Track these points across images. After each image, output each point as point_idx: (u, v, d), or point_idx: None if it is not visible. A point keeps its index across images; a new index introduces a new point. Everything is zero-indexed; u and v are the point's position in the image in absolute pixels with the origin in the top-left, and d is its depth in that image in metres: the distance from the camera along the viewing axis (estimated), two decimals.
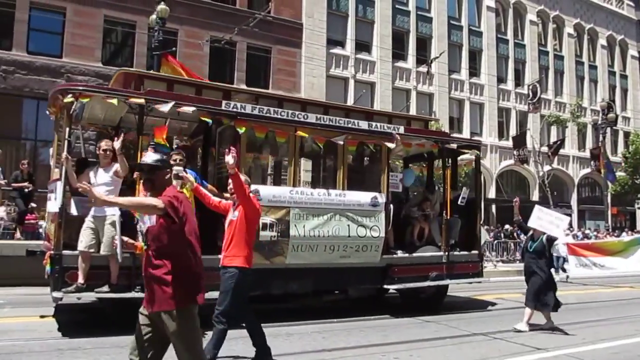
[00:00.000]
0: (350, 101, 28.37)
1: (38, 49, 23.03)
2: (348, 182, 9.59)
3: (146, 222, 4.42)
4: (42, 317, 8.63)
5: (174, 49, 23.12)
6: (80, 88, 7.76)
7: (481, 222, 11.75)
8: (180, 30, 25.52)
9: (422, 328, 9.20)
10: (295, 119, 9.05)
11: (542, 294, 9.06)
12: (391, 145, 9.67)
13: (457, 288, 12.01)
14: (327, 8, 30.10)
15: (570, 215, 38.79)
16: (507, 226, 31.39)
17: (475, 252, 11.02)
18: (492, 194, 35.01)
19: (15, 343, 7.05)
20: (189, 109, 8.00)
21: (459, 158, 11.78)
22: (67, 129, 7.49)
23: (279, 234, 8.71)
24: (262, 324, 6.60)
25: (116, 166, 7.53)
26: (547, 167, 35.35)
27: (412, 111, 31.16)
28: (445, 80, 33.87)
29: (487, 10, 36.67)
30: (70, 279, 7.43)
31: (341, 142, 9.28)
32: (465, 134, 34.48)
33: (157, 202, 4.16)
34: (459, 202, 10.68)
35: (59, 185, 7.47)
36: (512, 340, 8.24)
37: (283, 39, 28.23)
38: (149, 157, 4.57)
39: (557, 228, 9.21)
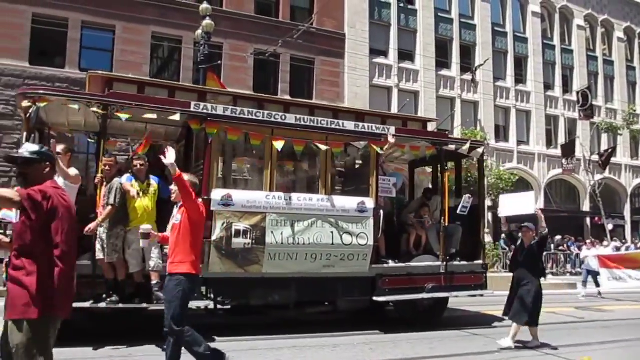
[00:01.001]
0: (394, 110, 27.37)
1: (89, 65, 23.17)
2: (338, 187, 8.76)
3: (12, 217, 3.85)
4: None
5: (219, 62, 22.97)
6: (41, 92, 7.34)
7: (485, 229, 10.53)
8: (225, 44, 25.33)
9: (470, 341, 8.57)
10: (272, 119, 8.31)
11: (532, 308, 8.01)
12: (379, 146, 8.75)
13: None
14: (369, 18, 29.25)
15: (623, 226, 36.17)
16: (557, 237, 29.52)
17: (478, 262, 9.87)
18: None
19: None
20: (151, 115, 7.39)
21: None
22: (25, 134, 7.04)
23: (253, 241, 8.01)
24: (304, 334, 6.75)
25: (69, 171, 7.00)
26: (598, 177, 32.95)
27: (457, 120, 29.87)
28: (490, 87, 32.25)
29: (533, 16, 34.64)
30: None
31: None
32: (512, 142, 32.85)
33: (12, 194, 3.59)
34: (458, 211, 9.57)
35: None
36: (563, 356, 7.63)
37: (326, 49, 27.68)
38: (25, 148, 3.99)
39: (527, 204, 8.43)
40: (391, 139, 8.87)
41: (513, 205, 8.60)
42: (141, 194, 7.47)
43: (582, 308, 13.36)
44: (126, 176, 7.67)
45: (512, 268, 8.61)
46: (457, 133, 27.79)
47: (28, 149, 3.96)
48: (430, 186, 11.26)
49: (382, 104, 28.36)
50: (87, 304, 7.15)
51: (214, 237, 7.80)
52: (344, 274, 8.72)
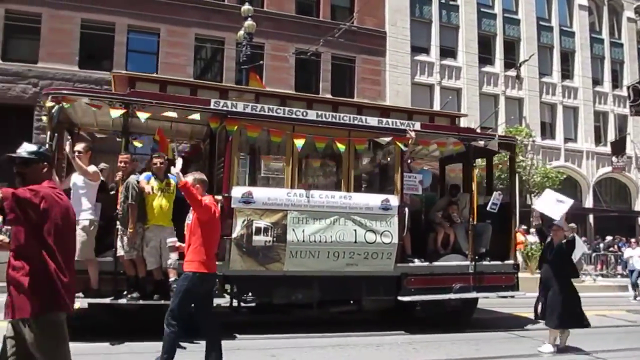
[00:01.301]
0: (436, 108, 26.80)
1: (136, 68, 23.57)
2: (363, 184, 8.52)
3: None
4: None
5: (261, 62, 23.05)
6: (64, 92, 7.39)
7: (517, 228, 10.05)
8: (267, 44, 25.38)
9: (517, 343, 8.31)
10: (293, 116, 8.15)
11: (565, 310, 7.51)
12: (404, 142, 8.45)
13: None
14: (410, 16, 28.76)
15: None
16: (607, 237, 28.28)
17: (509, 262, 9.44)
18: (589, 203, 31.66)
19: None
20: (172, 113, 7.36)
21: None
22: (49, 133, 7.11)
23: (274, 239, 7.86)
24: (349, 333, 6.96)
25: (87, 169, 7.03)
26: None
27: (501, 117, 28.95)
28: (535, 83, 31.13)
29: (580, 9, 33.28)
30: None
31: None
32: (558, 139, 31.67)
33: None
34: (488, 208, 9.15)
35: None
36: None
37: (367, 48, 27.41)
38: (24, 148, 3.93)
39: (557, 211, 7.91)
40: (412, 134, 8.57)
41: (550, 205, 8.00)
42: (158, 192, 7.43)
43: (634, 311, 12.81)
44: (145, 174, 7.68)
45: (540, 265, 8.21)
46: (501, 130, 26.96)
47: (26, 148, 3.92)
48: (460, 183, 10.81)
49: (424, 101, 27.84)
50: (107, 300, 7.17)
51: (234, 235, 7.73)
52: (368, 272, 8.48)
